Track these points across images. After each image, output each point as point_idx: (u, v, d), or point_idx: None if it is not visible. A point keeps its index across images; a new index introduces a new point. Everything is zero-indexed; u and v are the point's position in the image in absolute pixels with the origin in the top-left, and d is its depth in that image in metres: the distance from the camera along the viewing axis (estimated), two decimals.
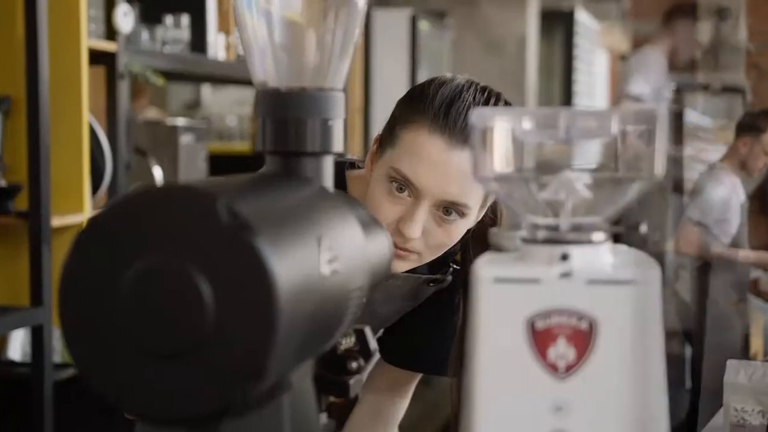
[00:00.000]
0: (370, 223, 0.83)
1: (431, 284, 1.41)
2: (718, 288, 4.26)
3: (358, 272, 0.73)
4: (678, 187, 4.37)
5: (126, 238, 0.60)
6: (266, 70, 0.80)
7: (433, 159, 1.22)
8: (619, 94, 4.51)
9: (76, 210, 2.48)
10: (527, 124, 0.68)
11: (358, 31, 0.82)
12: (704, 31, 4.63)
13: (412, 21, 5.93)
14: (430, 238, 1.26)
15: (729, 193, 4.28)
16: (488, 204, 1.32)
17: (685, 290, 4.40)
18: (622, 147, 0.68)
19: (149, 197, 0.61)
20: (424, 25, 6.15)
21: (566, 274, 0.66)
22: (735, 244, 4.28)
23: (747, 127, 4.42)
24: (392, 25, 4.98)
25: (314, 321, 0.65)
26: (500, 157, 0.69)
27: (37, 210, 2.28)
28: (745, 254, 4.34)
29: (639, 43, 9.51)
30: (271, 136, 0.78)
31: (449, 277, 1.40)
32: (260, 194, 0.66)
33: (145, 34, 2.92)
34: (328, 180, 0.79)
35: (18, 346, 2.58)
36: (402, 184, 1.24)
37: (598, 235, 0.68)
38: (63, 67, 2.44)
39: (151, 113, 3.91)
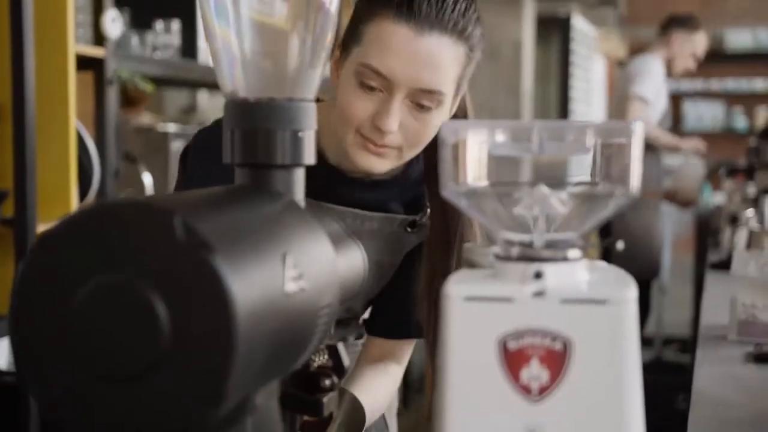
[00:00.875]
0: (341, 238, 0.80)
1: (409, 229, 1.39)
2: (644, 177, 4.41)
3: (327, 289, 0.70)
4: None
5: (79, 254, 0.58)
6: (235, 80, 0.77)
7: (401, 48, 1.20)
8: (621, 95, 4.51)
9: (62, 217, 2.45)
10: (500, 138, 0.65)
11: (330, 38, 0.80)
12: (703, 42, 4.66)
13: None
14: (408, 131, 1.24)
15: (661, 78, 4.52)
16: (461, 93, 1.30)
17: None
18: (598, 162, 0.66)
19: (104, 212, 0.58)
20: None
21: (539, 293, 0.63)
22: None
23: (677, 24, 4.57)
24: None
25: (278, 340, 0.63)
26: (472, 171, 0.66)
27: (23, 217, 2.25)
28: (672, 139, 4.54)
29: (636, 49, 9.54)
30: (240, 147, 0.76)
31: (426, 221, 1.38)
32: (222, 210, 0.64)
33: (135, 40, 2.90)
34: (299, 193, 0.76)
35: (4, 354, 2.55)
36: (372, 79, 1.21)
37: (574, 252, 0.66)
38: (50, 72, 2.42)
39: (146, 118, 3.88)
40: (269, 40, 0.77)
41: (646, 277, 4.43)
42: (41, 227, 2.34)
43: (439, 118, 1.25)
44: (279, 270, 0.63)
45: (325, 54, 0.79)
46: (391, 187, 1.38)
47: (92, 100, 2.65)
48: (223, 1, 0.77)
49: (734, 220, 3.12)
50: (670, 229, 5.91)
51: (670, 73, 4.58)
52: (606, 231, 3.95)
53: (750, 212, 2.98)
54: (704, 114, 9.94)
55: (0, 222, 2.31)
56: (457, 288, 0.64)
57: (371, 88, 1.22)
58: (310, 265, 0.67)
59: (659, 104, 4.53)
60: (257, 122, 0.75)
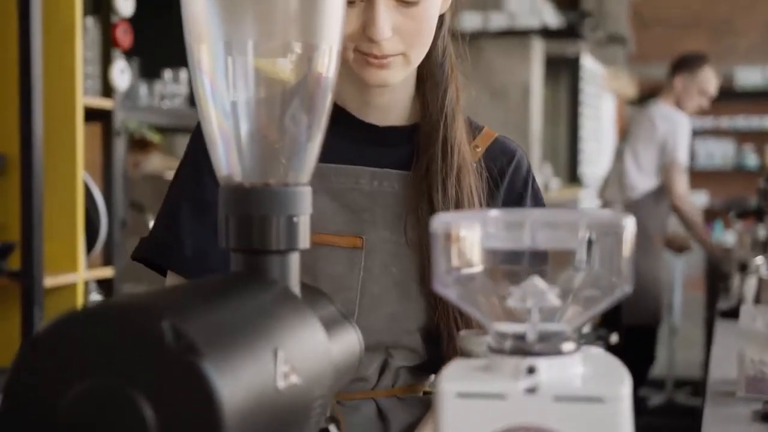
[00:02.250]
0: (336, 321, 0.80)
1: None
2: (657, 221, 4.41)
3: (320, 379, 0.70)
4: None
5: (68, 357, 0.58)
6: (230, 164, 0.77)
7: None
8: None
9: (69, 269, 2.46)
10: (491, 230, 0.65)
11: (324, 122, 0.80)
12: (710, 79, 4.63)
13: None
14: (404, 32, 1.17)
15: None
16: None
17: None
18: (590, 255, 0.65)
19: (93, 315, 0.58)
20: None
21: (532, 390, 0.63)
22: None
23: (679, 66, 4.56)
24: None
25: None
26: (463, 263, 0.66)
27: (30, 270, 2.26)
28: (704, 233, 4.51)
29: (645, 87, 9.56)
30: (235, 233, 0.75)
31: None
32: (212, 306, 0.63)
33: (143, 89, 2.91)
34: (294, 278, 0.76)
35: None
36: None
37: (568, 345, 0.65)
38: (58, 124, 2.43)
39: (156, 161, 3.90)
40: (265, 124, 0.77)
41: (650, 322, 4.40)
42: (48, 280, 2.35)
43: (431, 7, 1.18)
44: (270, 367, 0.62)
45: (319, 138, 0.79)
46: (454, 125, 1.27)
47: (100, 150, 2.66)
48: (219, 85, 0.77)
49: (744, 268, 3.10)
50: (681, 268, 5.89)
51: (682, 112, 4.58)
52: None
53: (760, 259, 2.96)
54: (715, 152, 9.93)
55: (6, 274, 2.32)
56: (450, 384, 0.64)
57: (352, 2, 1.15)
58: (303, 358, 0.67)
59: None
60: (252, 208, 0.75)
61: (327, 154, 1.25)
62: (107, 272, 2.68)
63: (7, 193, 2.37)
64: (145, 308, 0.58)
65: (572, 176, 7.43)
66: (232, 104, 0.76)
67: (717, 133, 9.86)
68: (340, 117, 1.27)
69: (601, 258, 0.65)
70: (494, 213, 0.67)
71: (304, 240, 0.76)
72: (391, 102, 1.28)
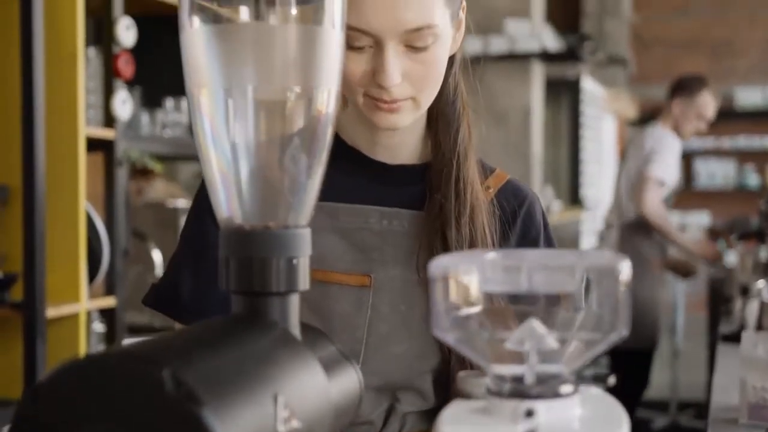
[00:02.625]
0: (336, 361, 0.80)
1: None
2: (651, 244, 4.40)
3: (320, 421, 0.70)
4: None
5: (68, 407, 0.58)
6: (230, 207, 0.78)
7: None
8: (638, 170, 4.43)
9: (72, 299, 2.46)
10: (488, 274, 0.66)
11: (323, 163, 0.80)
12: (709, 103, 4.63)
13: None
14: (413, 77, 1.15)
15: (678, 155, 4.52)
16: (461, 12, 1.22)
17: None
18: (587, 298, 0.66)
19: (93, 364, 0.59)
20: None
21: None
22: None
23: (677, 89, 4.55)
24: None
25: None
26: (461, 306, 0.67)
27: (32, 302, 2.26)
28: (682, 239, 4.47)
29: (646, 108, 9.59)
30: (235, 275, 0.76)
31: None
32: (212, 352, 0.64)
33: (145, 118, 2.93)
34: (294, 319, 0.77)
35: None
36: (357, 39, 1.13)
37: (566, 388, 0.66)
38: (60, 155, 2.45)
39: (160, 187, 3.91)
40: (265, 167, 0.78)
41: (645, 347, 4.39)
42: (50, 311, 2.35)
43: (441, 51, 1.17)
44: (271, 412, 0.63)
45: (318, 179, 0.80)
46: (467, 164, 1.26)
47: (102, 180, 2.67)
48: (218, 129, 0.78)
49: (745, 291, 3.10)
50: (683, 290, 5.89)
51: (680, 136, 4.58)
52: None
53: (761, 283, 2.96)
54: (716, 172, 9.95)
55: (9, 305, 2.32)
56: (449, 428, 0.64)
57: (361, 48, 1.14)
58: (303, 402, 0.67)
59: (673, 182, 4.53)
60: (252, 251, 0.76)
61: (338, 193, 1.27)
62: (109, 302, 2.68)
63: (9, 224, 2.38)
64: (145, 357, 0.58)
65: (574, 198, 7.44)
66: (232, 147, 0.77)
67: (718, 153, 9.88)
68: (350, 156, 1.28)
69: (598, 301, 0.66)
70: (491, 256, 0.67)
71: (303, 281, 0.77)
72: (402, 142, 1.27)
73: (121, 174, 2.68)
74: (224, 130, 0.77)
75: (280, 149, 0.78)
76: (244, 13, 0.77)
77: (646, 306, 4.25)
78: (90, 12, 2.63)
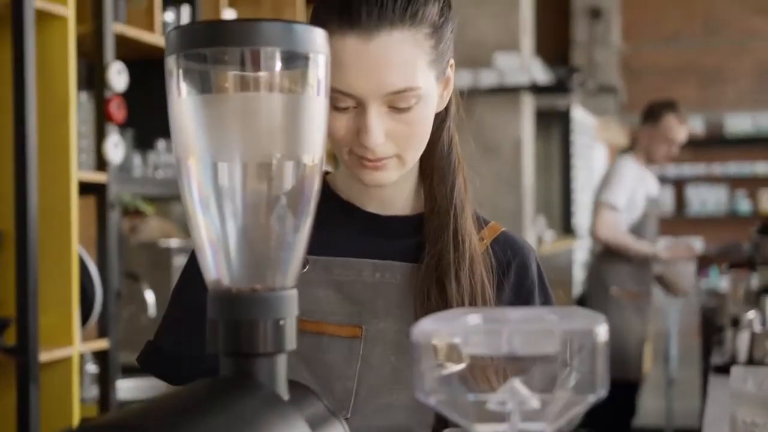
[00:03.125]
0: (323, 418, 0.82)
1: None
2: (617, 275, 4.42)
3: None
4: None
5: None
6: (218, 270, 0.80)
7: (353, 60, 1.13)
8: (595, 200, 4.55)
9: (65, 343, 2.47)
10: (470, 338, 0.68)
11: (308, 227, 0.82)
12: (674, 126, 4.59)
13: None
14: (397, 137, 1.17)
15: (634, 181, 4.50)
16: (447, 71, 1.23)
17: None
18: (567, 360, 0.67)
19: None
20: None
21: None
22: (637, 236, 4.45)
23: (643, 118, 4.59)
24: None
25: None
26: (443, 370, 0.68)
27: (25, 346, 2.27)
28: (645, 247, 4.47)
29: (636, 135, 9.65)
30: (224, 337, 0.78)
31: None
32: (201, 417, 0.65)
33: (137, 159, 2.95)
34: (281, 379, 0.78)
35: None
36: (341, 100, 1.14)
37: None
38: (53, 199, 2.46)
39: (154, 224, 3.92)
40: (252, 231, 0.80)
41: (627, 378, 4.39)
42: (43, 355, 2.36)
43: (425, 110, 1.18)
44: None
45: (305, 240, 0.82)
46: (419, 226, 1.28)
47: (95, 223, 2.69)
48: (206, 195, 0.80)
49: (736, 322, 3.11)
50: (676, 317, 5.90)
51: (653, 162, 4.62)
52: None
53: (752, 314, 2.98)
54: (708, 198, 10.00)
55: (2, 350, 2.33)
56: None
57: (345, 108, 1.16)
58: None
59: (634, 209, 4.54)
60: (240, 313, 0.77)
61: (333, 247, 1.29)
62: (103, 344, 2.69)
63: (2, 269, 2.39)
64: (134, 425, 0.60)
65: (566, 227, 7.47)
66: (220, 213, 0.79)
67: (709, 179, 9.94)
68: (345, 209, 1.30)
69: (578, 362, 0.67)
70: (473, 320, 0.69)
71: (290, 341, 0.79)
72: (394, 194, 1.29)
73: (113, 217, 2.69)
74: (212, 196, 0.78)
75: (267, 213, 0.80)
76: (231, 79, 0.79)
77: (622, 338, 4.27)
78: (81, 55, 2.66)
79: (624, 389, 4.37)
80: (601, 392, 0.67)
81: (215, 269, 0.80)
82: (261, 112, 0.78)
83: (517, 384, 0.68)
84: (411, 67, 1.14)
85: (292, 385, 0.81)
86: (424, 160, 1.26)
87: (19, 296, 2.30)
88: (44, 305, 2.39)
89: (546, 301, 1.32)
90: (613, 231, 4.38)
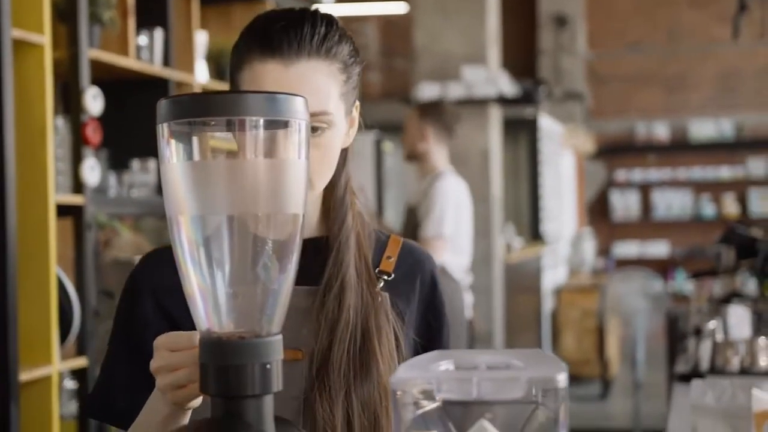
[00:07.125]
0: None
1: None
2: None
3: None
4: None
5: None
6: (209, 319, 0.87)
7: (273, 82, 1.20)
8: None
9: (44, 362, 2.52)
10: (443, 386, 0.74)
11: (292, 277, 0.89)
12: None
13: (376, 144, 6.11)
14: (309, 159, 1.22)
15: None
16: (354, 108, 1.30)
17: None
18: (533, 404, 0.75)
19: None
20: (387, 147, 6.32)
21: None
22: None
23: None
24: (357, 148, 5.09)
25: None
26: (416, 414, 0.75)
27: (6, 367, 2.32)
28: None
29: (602, 141, 9.78)
30: (213, 380, 0.85)
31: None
32: None
33: (113, 180, 3.00)
34: (268, 418, 0.85)
35: None
36: None
37: None
38: (31, 222, 2.51)
39: (126, 236, 3.95)
40: (239, 283, 0.87)
41: None
42: (23, 375, 2.40)
43: (335, 139, 1.25)
44: None
45: (288, 289, 0.88)
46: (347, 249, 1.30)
47: (72, 244, 2.73)
48: (196, 251, 0.86)
49: (698, 332, 3.19)
50: (644, 324, 6.01)
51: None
52: None
53: (713, 323, 3.06)
54: (673, 202, 10.14)
55: None
56: None
57: None
58: None
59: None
60: (229, 359, 0.84)
61: None
62: (81, 362, 2.73)
63: None
64: None
65: (534, 234, 7.57)
66: (209, 267, 0.86)
67: (675, 184, 10.09)
68: None
69: (542, 404, 0.75)
70: (445, 368, 0.76)
71: (277, 383, 0.86)
72: None
73: (90, 237, 2.74)
74: (202, 252, 0.85)
75: (253, 266, 0.87)
76: (217, 145, 0.86)
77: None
78: (57, 77, 2.70)
79: None
80: None
81: (206, 318, 0.87)
82: (246, 175, 0.85)
83: (485, 424, 0.75)
84: (325, 94, 1.22)
85: (278, 421, 0.88)
86: (326, 191, 1.30)
87: None
88: (23, 325, 2.43)
89: (438, 310, 1.36)
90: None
